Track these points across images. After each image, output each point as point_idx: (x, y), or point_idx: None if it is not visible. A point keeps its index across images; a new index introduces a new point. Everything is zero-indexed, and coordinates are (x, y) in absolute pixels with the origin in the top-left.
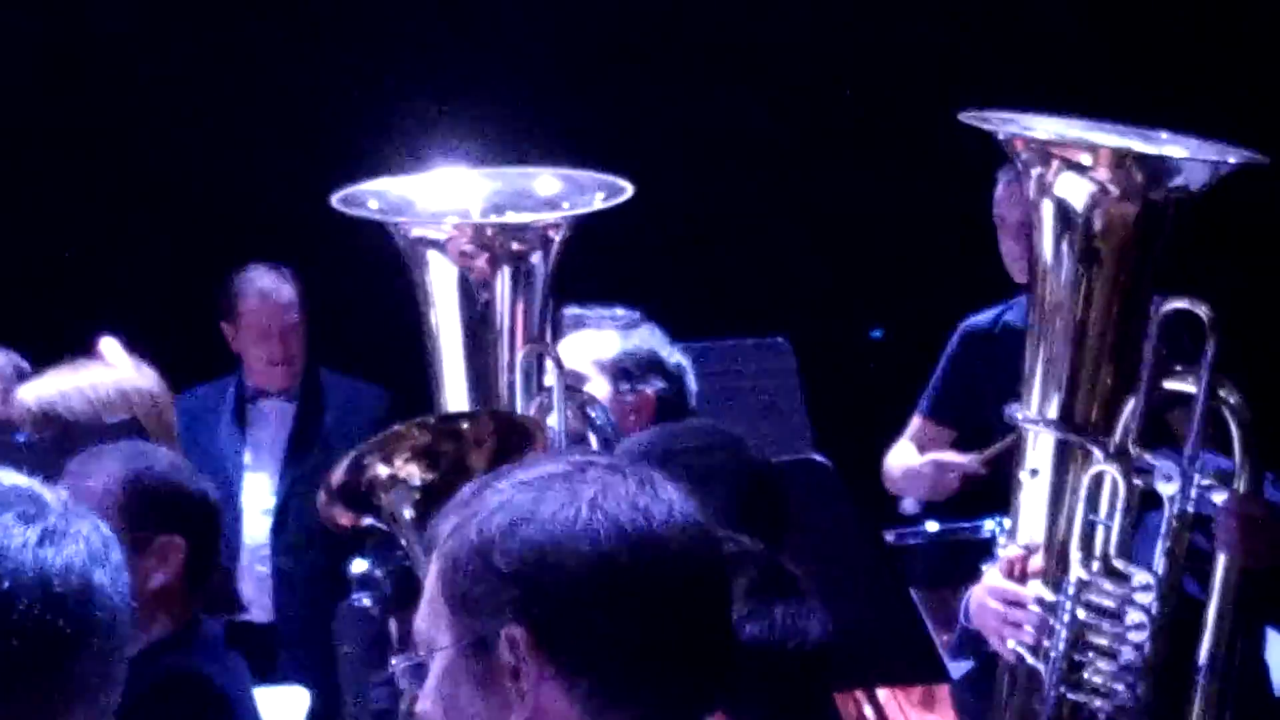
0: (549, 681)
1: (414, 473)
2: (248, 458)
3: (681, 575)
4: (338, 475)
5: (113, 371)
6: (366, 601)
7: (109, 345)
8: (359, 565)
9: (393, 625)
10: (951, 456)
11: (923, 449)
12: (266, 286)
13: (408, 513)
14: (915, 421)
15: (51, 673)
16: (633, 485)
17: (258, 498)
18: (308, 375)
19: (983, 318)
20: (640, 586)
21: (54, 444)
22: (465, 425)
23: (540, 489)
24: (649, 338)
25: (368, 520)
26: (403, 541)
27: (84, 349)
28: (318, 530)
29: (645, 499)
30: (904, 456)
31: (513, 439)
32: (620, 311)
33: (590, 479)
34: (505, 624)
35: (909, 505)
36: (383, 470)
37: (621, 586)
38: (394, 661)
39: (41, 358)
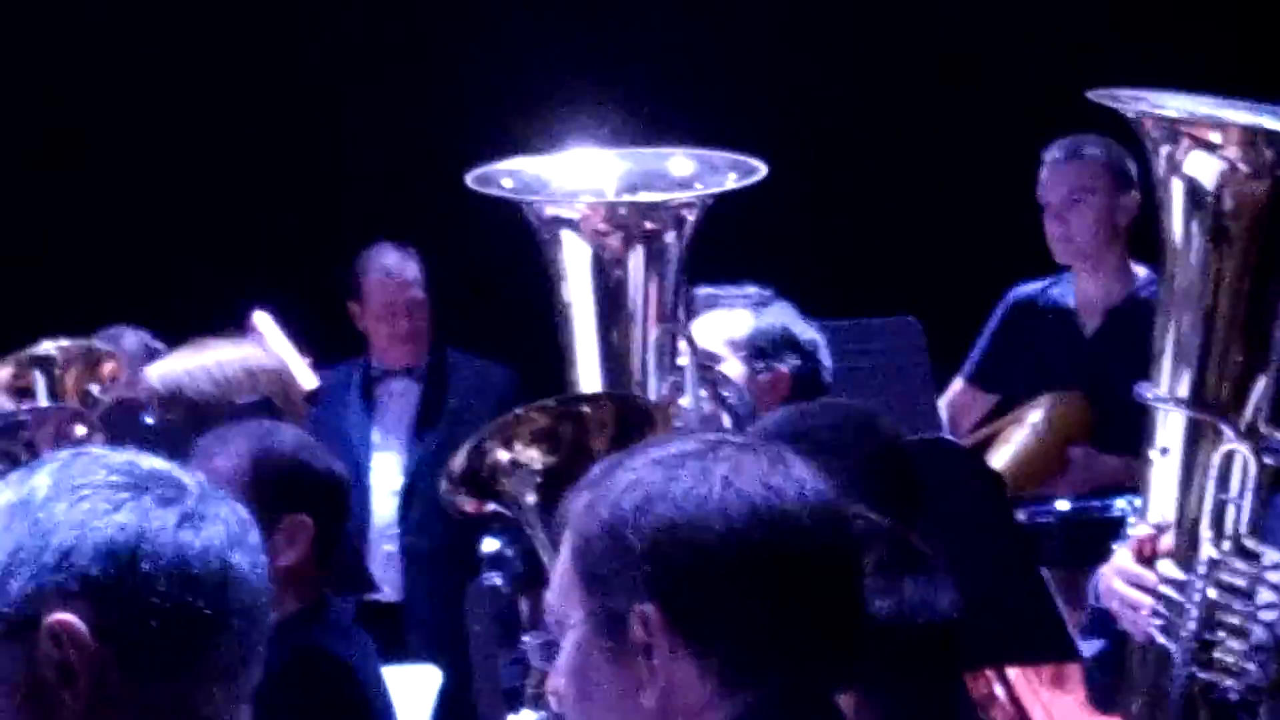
0: (681, 659)
1: (535, 457)
2: (376, 437)
3: (812, 553)
4: (459, 462)
5: (238, 350)
6: (497, 581)
7: (262, 319)
8: (490, 544)
9: (523, 604)
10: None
11: (960, 413)
12: (390, 263)
13: (530, 498)
14: (956, 385)
15: (191, 654)
16: (765, 463)
17: (386, 477)
18: (435, 355)
19: (1030, 288)
20: (772, 564)
21: (184, 425)
22: (585, 408)
23: (672, 467)
24: (781, 315)
25: (491, 506)
26: (526, 527)
27: (223, 328)
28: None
29: (777, 477)
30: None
31: (633, 420)
32: (752, 290)
33: (722, 457)
34: (637, 601)
35: None
36: (504, 455)
37: (753, 564)
38: (526, 639)
39: (175, 337)
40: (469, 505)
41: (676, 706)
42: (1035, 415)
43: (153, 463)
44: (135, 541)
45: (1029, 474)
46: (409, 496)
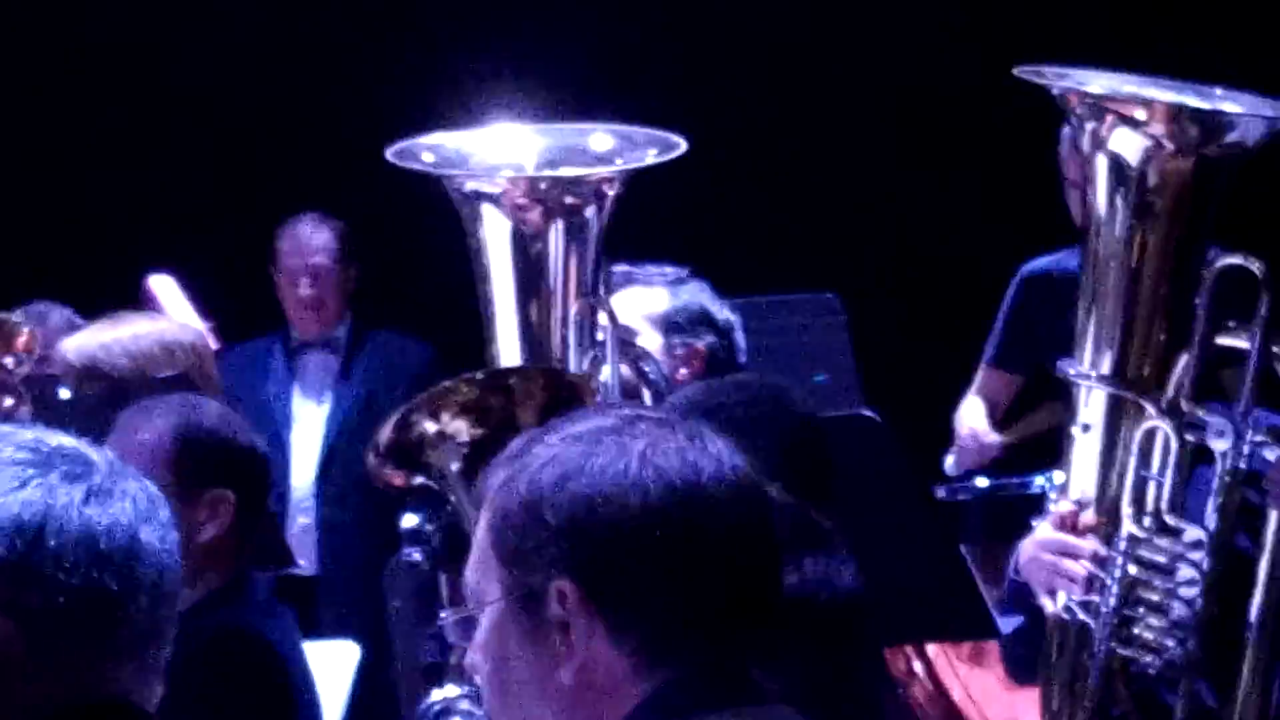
0: (598, 636)
1: (462, 429)
2: (293, 410)
3: (731, 529)
4: (386, 434)
5: (153, 324)
6: (417, 556)
7: (161, 282)
8: (409, 520)
9: (443, 580)
10: (984, 431)
11: (992, 398)
12: (299, 231)
13: (455, 466)
14: (981, 372)
15: (99, 630)
16: (682, 439)
17: (303, 449)
18: (355, 329)
19: (1041, 262)
20: (690, 540)
21: (100, 399)
22: (514, 381)
23: (590, 443)
24: (698, 293)
25: (418, 479)
26: (452, 498)
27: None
28: (362, 481)
29: (695, 453)
30: (971, 415)
31: (562, 395)
32: (669, 268)
33: (640, 433)
34: (555, 577)
35: (950, 467)
36: (430, 427)
37: (671, 540)
38: (443, 615)
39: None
40: (396, 478)
41: (594, 684)
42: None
43: (59, 439)
44: (42, 518)
45: None
46: (325, 469)
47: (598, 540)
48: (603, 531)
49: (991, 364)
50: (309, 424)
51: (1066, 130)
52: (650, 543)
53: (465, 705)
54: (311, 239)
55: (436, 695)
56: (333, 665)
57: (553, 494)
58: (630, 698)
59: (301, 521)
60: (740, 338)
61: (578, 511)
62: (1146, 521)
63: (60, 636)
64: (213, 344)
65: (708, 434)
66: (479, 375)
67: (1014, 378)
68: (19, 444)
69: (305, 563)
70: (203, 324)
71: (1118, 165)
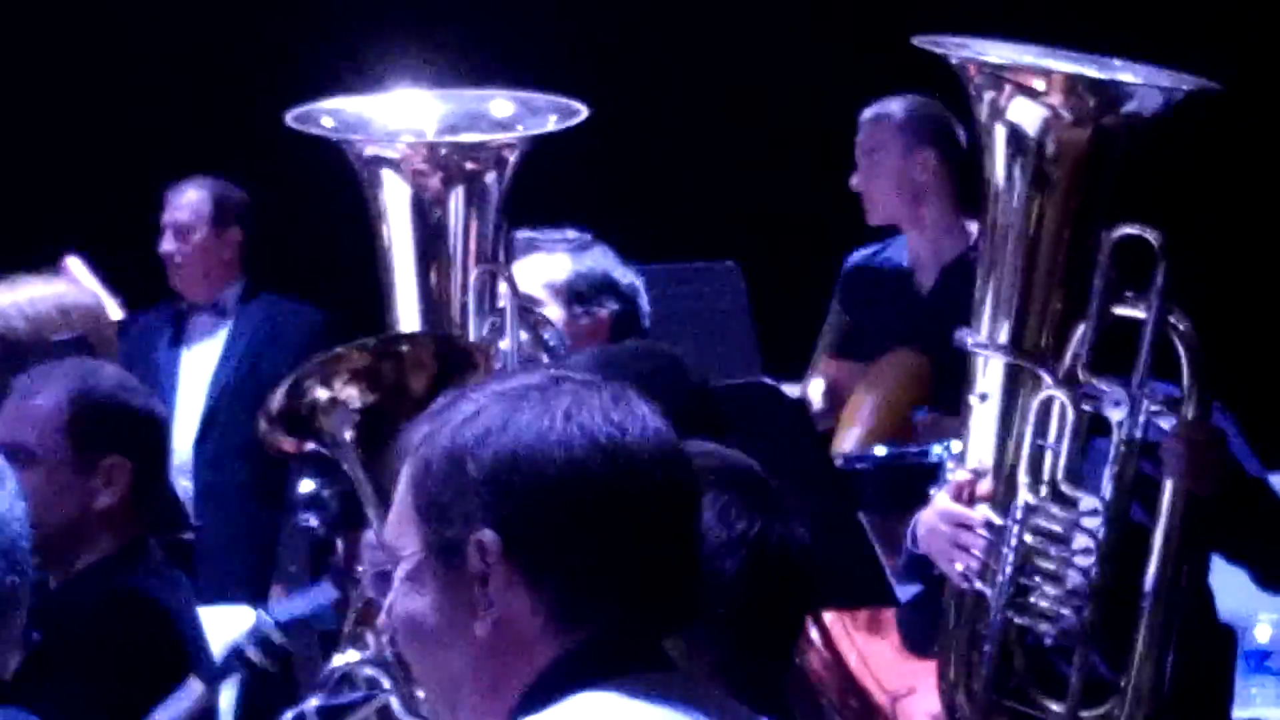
0: (516, 590)
1: (354, 395)
2: (179, 373)
3: (653, 488)
4: (277, 400)
5: (51, 287)
6: (313, 522)
7: (75, 264)
8: (306, 485)
9: (338, 545)
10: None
11: (835, 384)
12: (173, 189)
13: (348, 434)
14: (823, 360)
15: None
16: (607, 398)
17: (187, 413)
18: (245, 293)
19: (863, 253)
20: (611, 497)
21: None
22: (406, 347)
23: (515, 399)
24: (601, 259)
25: (310, 445)
26: (344, 465)
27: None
28: (243, 446)
29: (619, 413)
30: (816, 396)
31: (454, 361)
32: (572, 234)
33: (565, 391)
34: (475, 529)
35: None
36: (322, 393)
37: (593, 496)
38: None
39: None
40: (287, 444)
41: (509, 640)
42: (873, 386)
43: None
44: None
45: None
46: (205, 431)
47: (519, 493)
48: (524, 485)
49: (829, 353)
50: (193, 387)
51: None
52: (572, 498)
53: (368, 671)
54: (177, 197)
55: (337, 660)
56: (227, 630)
57: (475, 448)
58: (544, 655)
59: (182, 484)
60: (644, 302)
61: (500, 465)
62: (1043, 490)
63: None
64: (118, 313)
65: (633, 396)
66: (371, 341)
67: (853, 365)
68: None
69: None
70: (110, 298)
71: (1016, 135)
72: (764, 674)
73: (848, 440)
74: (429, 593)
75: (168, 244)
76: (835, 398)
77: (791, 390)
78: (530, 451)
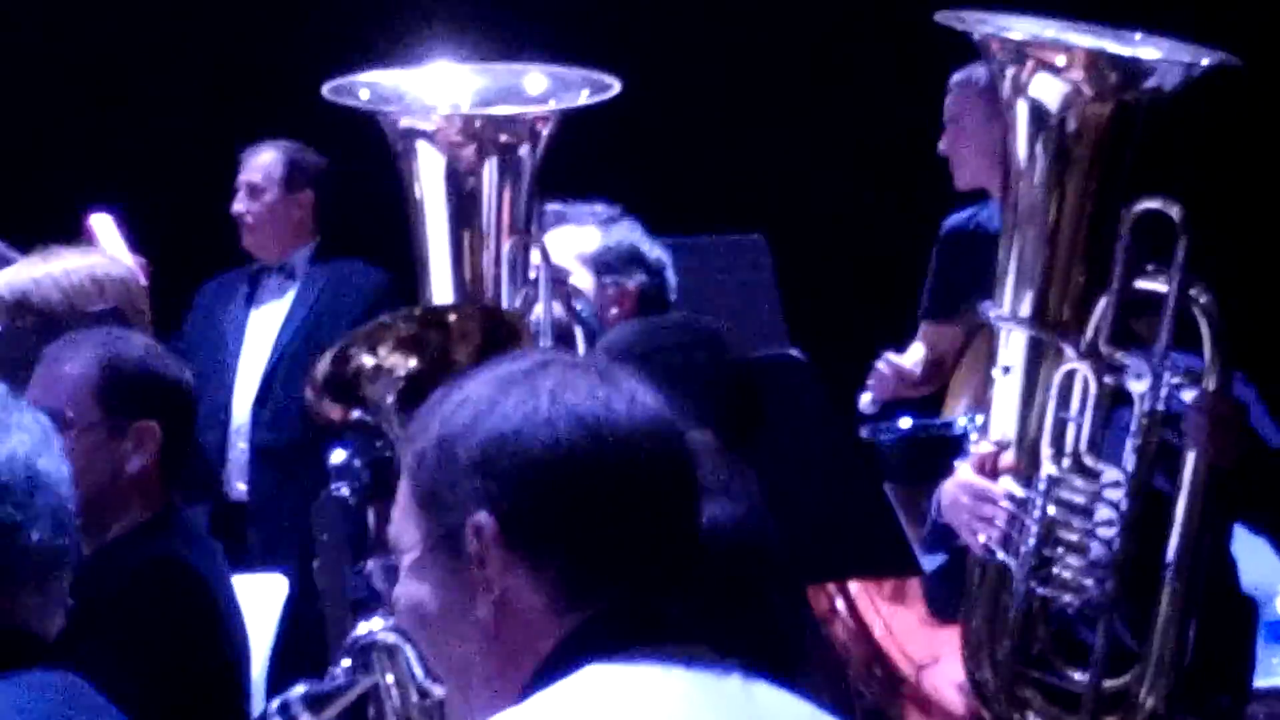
0: (515, 570)
1: (399, 363)
2: (246, 335)
3: (642, 465)
4: (323, 367)
5: (85, 259)
6: (345, 491)
7: (100, 220)
8: (338, 455)
9: (370, 515)
10: (898, 359)
11: (932, 351)
12: (251, 150)
13: (390, 399)
14: (922, 326)
15: (2, 560)
16: (594, 378)
17: (248, 375)
18: (316, 256)
19: (958, 218)
20: (601, 475)
21: (31, 333)
22: (452, 317)
23: (503, 384)
24: (629, 232)
25: (356, 413)
26: (387, 429)
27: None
28: (298, 410)
29: (605, 390)
30: (903, 355)
31: (500, 332)
32: (600, 207)
33: (551, 373)
34: (470, 513)
35: (866, 405)
36: (368, 361)
37: (582, 475)
38: (368, 565)
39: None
40: (334, 413)
41: (514, 621)
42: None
43: None
44: None
45: None
46: (264, 393)
47: (509, 475)
48: (514, 467)
49: (926, 319)
50: (257, 350)
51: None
52: (561, 477)
53: (392, 638)
54: (252, 157)
55: (363, 628)
56: (261, 598)
57: (464, 434)
58: (550, 635)
59: (240, 446)
60: (671, 276)
61: (489, 448)
62: (1065, 462)
63: None
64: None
65: (621, 374)
66: (417, 311)
67: (950, 329)
68: None
69: (243, 487)
70: (134, 260)
71: (1037, 110)
72: None
73: (957, 410)
74: (432, 580)
75: (239, 204)
76: (935, 363)
77: (899, 359)
78: (517, 433)
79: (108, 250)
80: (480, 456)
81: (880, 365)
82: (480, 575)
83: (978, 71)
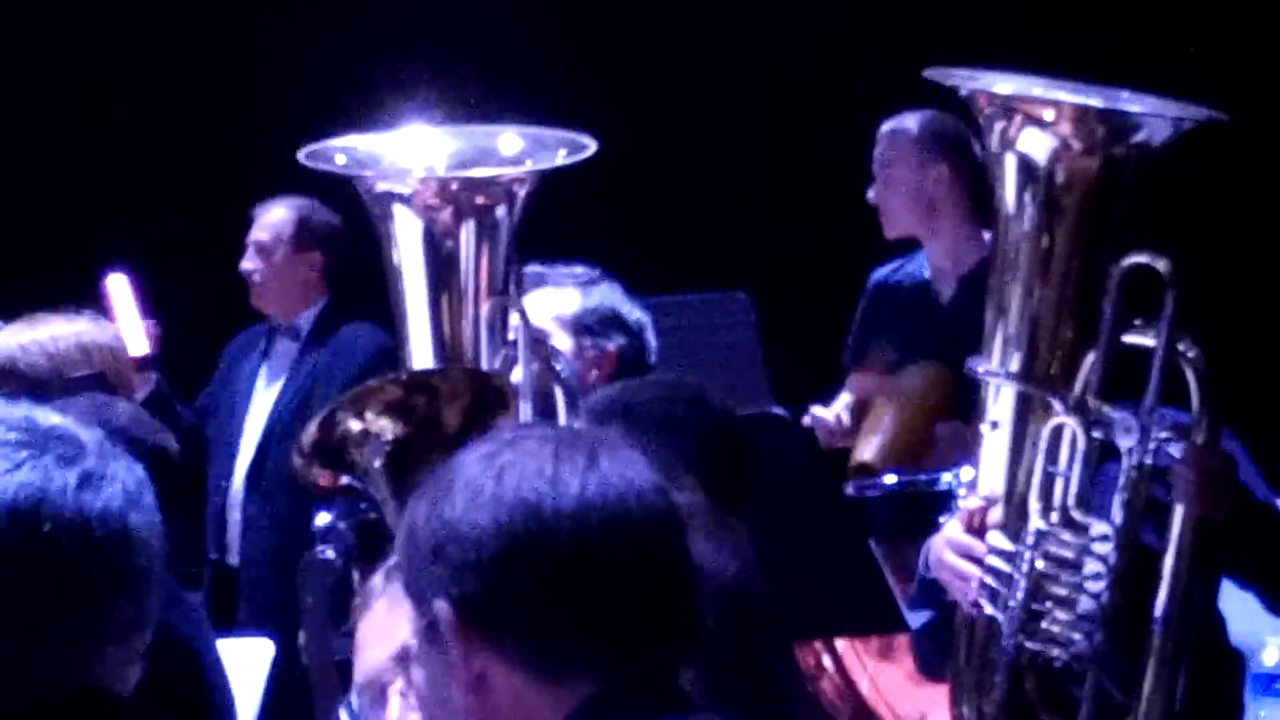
0: (483, 653)
1: (386, 427)
2: (254, 397)
3: (599, 540)
4: (310, 434)
5: (72, 325)
6: (330, 554)
7: (116, 282)
8: (323, 518)
9: (356, 578)
10: (822, 412)
11: (861, 395)
12: (262, 207)
13: (378, 463)
14: (850, 374)
15: (89, 616)
16: (547, 455)
17: (250, 441)
18: (324, 316)
19: (886, 268)
20: (546, 554)
21: (17, 398)
22: (438, 381)
23: (464, 466)
24: (609, 294)
25: (345, 479)
26: (375, 494)
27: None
28: (287, 478)
29: (556, 467)
30: (833, 407)
31: (487, 396)
32: (580, 269)
33: (508, 453)
34: (437, 601)
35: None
36: (355, 426)
37: (525, 555)
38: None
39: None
40: (323, 479)
41: (498, 703)
42: (894, 395)
43: (50, 418)
44: (36, 503)
45: (899, 456)
46: (257, 463)
47: (456, 561)
48: (459, 551)
49: (850, 365)
50: (259, 414)
51: (878, 148)
52: (505, 559)
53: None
54: (263, 215)
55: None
56: (247, 661)
57: (425, 521)
58: (548, 713)
59: (235, 517)
60: (651, 338)
61: (438, 535)
62: (1054, 517)
63: (51, 621)
64: (145, 346)
65: (608, 450)
66: (404, 375)
67: (873, 373)
68: (11, 423)
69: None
70: (142, 324)
71: (1025, 165)
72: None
73: (868, 450)
74: (424, 670)
75: (247, 262)
76: (862, 406)
77: (821, 412)
78: (462, 516)
79: (118, 310)
80: (433, 544)
81: (805, 420)
82: (454, 660)
83: (906, 120)
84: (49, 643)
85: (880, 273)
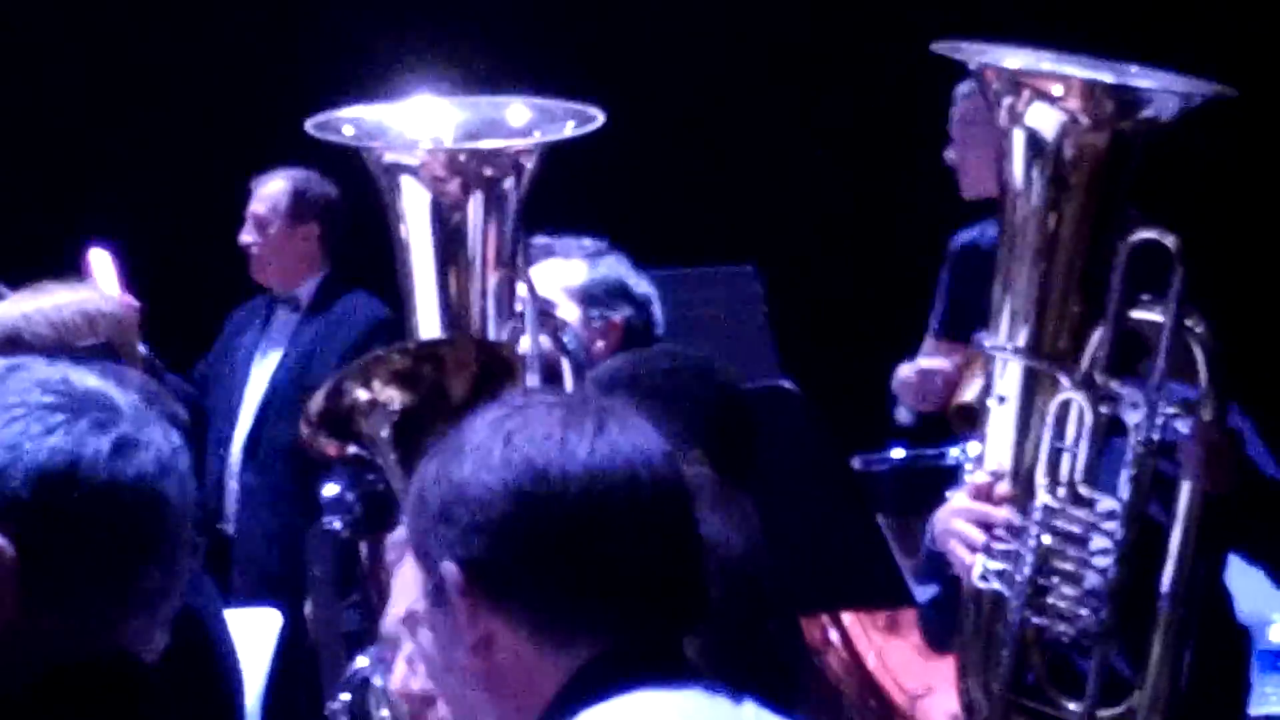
0: (490, 615)
1: (394, 396)
2: (252, 368)
3: (603, 504)
4: (318, 403)
5: (76, 294)
6: (337, 525)
7: (98, 256)
8: (330, 489)
9: (363, 549)
10: (934, 361)
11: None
12: (259, 180)
13: (385, 432)
14: (927, 342)
15: (118, 583)
16: (555, 420)
17: (248, 411)
18: (323, 288)
19: (969, 233)
20: (552, 516)
21: None
22: (446, 351)
23: (473, 430)
24: (615, 266)
25: (352, 449)
26: (382, 463)
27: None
28: (285, 448)
29: (564, 431)
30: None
31: (495, 366)
32: (587, 241)
33: (517, 417)
34: (444, 562)
35: (903, 415)
36: (362, 395)
37: (531, 517)
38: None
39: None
40: (330, 448)
41: (508, 667)
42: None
43: (86, 381)
44: (68, 467)
45: None
46: (254, 433)
47: (464, 522)
48: (468, 513)
49: (935, 335)
50: (257, 385)
51: (958, 108)
52: (511, 521)
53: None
54: (259, 188)
55: (361, 662)
56: (254, 632)
57: (433, 483)
58: (549, 676)
59: (231, 484)
60: (658, 310)
61: (447, 496)
62: (1061, 492)
63: (81, 588)
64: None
65: (616, 417)
66: (411, 345)
67: (957, 346)
68: (48, 385)
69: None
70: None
71: (1034, 140)
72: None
73: (969, 391)
74: (433, 629)
75: (245, 235)
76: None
77: (931, 364)
78: (470, 478)
79: (101, 286)
80: (441, 507)
81: (905, 371)
82: (460, 622)
83: None
84: (77, 608)
85: (964, 236)
